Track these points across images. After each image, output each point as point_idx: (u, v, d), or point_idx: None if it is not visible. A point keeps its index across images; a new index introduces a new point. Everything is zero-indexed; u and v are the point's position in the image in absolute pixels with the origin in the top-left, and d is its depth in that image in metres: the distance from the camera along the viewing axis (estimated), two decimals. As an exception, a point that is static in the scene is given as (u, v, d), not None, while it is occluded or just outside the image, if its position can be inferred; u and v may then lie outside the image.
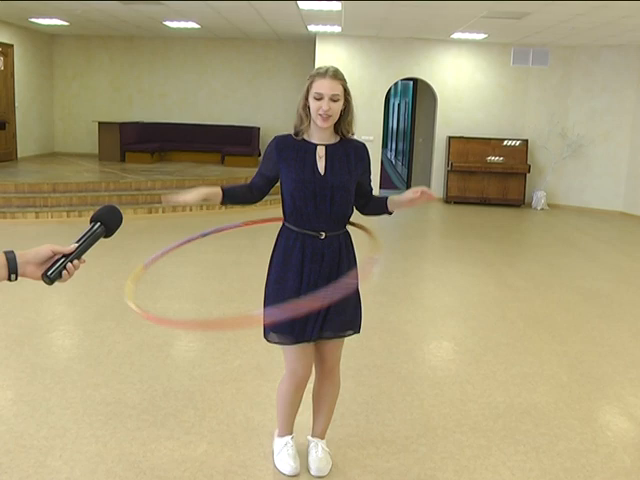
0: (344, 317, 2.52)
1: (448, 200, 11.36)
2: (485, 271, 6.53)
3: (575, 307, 5.38)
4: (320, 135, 2.49)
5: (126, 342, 4.12)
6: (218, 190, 2.55)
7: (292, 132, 2.52)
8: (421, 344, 4.47)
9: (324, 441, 2.78)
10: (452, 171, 11.21)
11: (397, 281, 6.11)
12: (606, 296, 5.74)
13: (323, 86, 2.37)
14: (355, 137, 2.61)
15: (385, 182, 13.28)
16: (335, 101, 2.39)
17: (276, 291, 2.51)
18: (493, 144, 11.22)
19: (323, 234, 2.46)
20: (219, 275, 5.81)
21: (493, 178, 11.25)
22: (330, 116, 2.40)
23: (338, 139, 2.53)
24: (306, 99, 2.44)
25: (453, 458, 2.86)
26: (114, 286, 5.44)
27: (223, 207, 9.16)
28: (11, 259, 1.44)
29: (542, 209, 11.12)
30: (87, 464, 2.68)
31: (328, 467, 2.71)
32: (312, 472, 2.69)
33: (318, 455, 2.71)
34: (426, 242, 8.43)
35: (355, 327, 2.60)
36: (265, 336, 2.55)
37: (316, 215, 2.45)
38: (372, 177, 2.67)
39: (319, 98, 2.38)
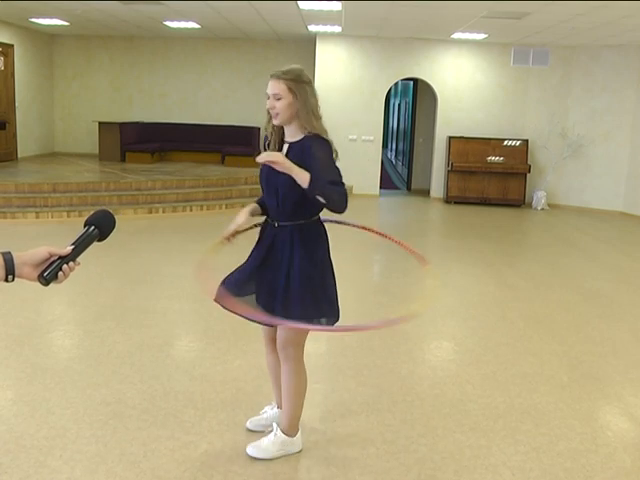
0: (275, 306, 2.60)
1: (448, 200, 11.35)
2: (485, 271, 6.53)
3: (575, 307, 5.38)
4: (288, 133, 2.65)
5: (126, 342, 4.12)
6: (255, 205, 2.77)
7: None
8: (421, 344, 4.47)
9: (284, 436, 2.79)
10: (452, 171, 11.20)
11: (397, 281, 6.11)
12: (606, 296, 5.74)
13: (269, 86, 2.58)
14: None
15: (385, 182, 13.27)
16: (277, 99, 2.54)
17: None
18: (493, 144, 11.21)
19: (276, 223, 2.65)
20: (219, 275, 5.80)
21: (493, 178, 11.24)
22: (277, 113, 2.56)
23: (301, 137, 2.61)
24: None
25: (453, 458, 2.87)
26: (114, 286, 5.44)
27: (223, 207, 9.18)
28: (8, 260, 1.46)
29: (542, 209, 11.12)
30: (87, 464, 2.69)
31: (262, 454, 2.78)
32: (247, 450, 2.79)
33: (266, 435, 2.83)
34: (426, 242, 8.43)
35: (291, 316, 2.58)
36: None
37: (270, 208, 2.68)
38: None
39: (268, 97, 2.58)
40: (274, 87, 2.54)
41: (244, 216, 2.66)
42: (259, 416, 3.04)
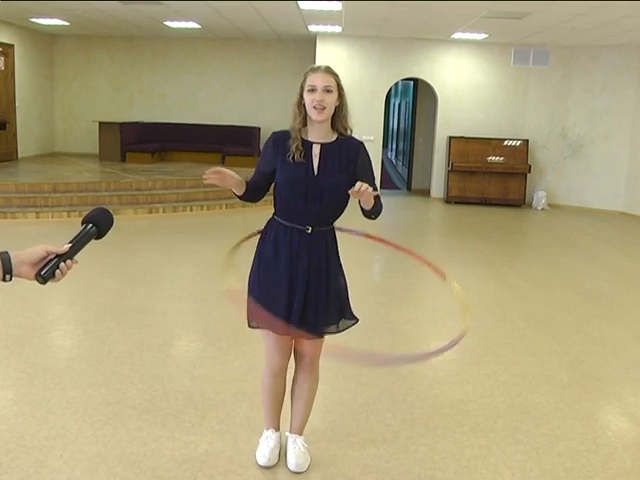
0: (322, 317, 2.53)
1: (448, 200, 11.35)
2: (485, 271, 6.53)
3: (575, 307, 5.38)
4: (317, 133, 2.51)
5: (126, 342, 4.12)
6: (243, 183, 2.54)
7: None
8: (421, 344, 4.47)
9: (302, 437, 2.78)
10: (452, 171, 11.20)
11: (397, 281, 6.11)
12: (606, 296, 5.74)
13: (316, 79, 2.43)
14: (354, 135, 2.61)
15: (385, 182, 13.28)
16: (329, 92, 2.43)
17: (267, 284, 2.55)
18: (493, 144, 11.21)
19: (310, 228, 2.48)
20: (219, 275, 5.80)
21: (494, 178, 11.24)
22: (324, 108, 2.43)
23: (335, 137, 2.54)
24: (301, 95, 2.48)
25: (453, 458, 2.87)
26: (114, 286, 5.44)
27: (224, 207, 9.18)
28: (6, 259, 1.46)
29: (542, 209, 11.12)
30: (88, 464, 2.69)
31: (306, 463, 2.72)
32: (290, 467, 2.70)
33: (296, 451, 2.72)
34: (426, 242, 8.43)
35: (334, 326, 2.60)
36: (250, 325, 2.62)
37: (305, 212, 2.48)
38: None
39: (312, 90, 2.43)
40: (326, 79, 2.43)
41: (231, 180, 2.45)
42: (270, 449, 2.74)
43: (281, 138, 2.54)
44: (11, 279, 1.48)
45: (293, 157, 2.47)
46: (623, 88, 10.72)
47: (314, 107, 2.42)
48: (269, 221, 2.60)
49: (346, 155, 2.52)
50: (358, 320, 2.67)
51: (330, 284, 2.54)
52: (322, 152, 2.50)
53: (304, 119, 2.50)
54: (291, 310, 2.49)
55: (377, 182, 2.67)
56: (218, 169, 2.41)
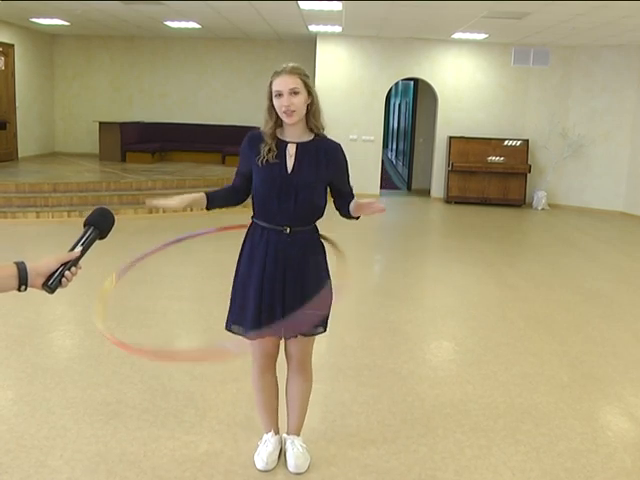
0: (305, 317, 2.47)
1: (449, 200, 11.35)
2: (485, 271, 6.53)
3: (575, 307, 5.38)
4: (292, 133, 2.49)
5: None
6: (202, 196, 2.51)
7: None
8: (421, 344, 4.47)
9: (300, 438, 2.78)
10: (453, 171, 11.20)
11: (398, 281, 6.11)
12: (606, 296, 5.74)
13: (281, 83, 2.39)
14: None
15: (386, 182, 13.27)
16: (295, 94, 2.39)
17: (242, 286, 2.54)
18: (494, 144, 11.21)
19: (288, 229, 2.46)
20: (219, 275, 5.80)
21: (494, 178, 11.25)
22: (294, 111, 2.40)
23: (311, 137, 2.52)
24: (270, 100, 2.45)
25: (454, 458, 2.87)
26: (114, 286, 5.43)
27: (224, 208, 9.17)
28: (22, 270, 1.46)
29: (542, 209, 11.12)
30: (88, 464, 2.69)
31: (306, 464, 2.72)
32: (290, 469, 2.70)
33: (295, 452, 2.72)
34: (427, 242, 8.43)
35: (320, 326, 2.55)
36: (226, 327, 2.60)
37: (279, 211, 2.45)
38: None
39: (279, 95, 2.39)
40: (290, 82, 2.37)
41: (180, 203, 2.41)
42: (268, 453, 2.73)
43: (256, 137, 2.51)
44: (26, 289, 1.48)
45: (267, 160, 2.45)
46: (623, 88, 10.72)
47: (284, 112, 2.40)
48: (250, 225, 2.58)
49: (324, 156, 2.50)
50: (325, 330, 2.59)
51: (308, 285, 2.48)
52: (298, 152, 2.47)
53: (276, 123, 2.47)
54: (261, 312, 2.48)
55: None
56: (160, 203, 2.42)
